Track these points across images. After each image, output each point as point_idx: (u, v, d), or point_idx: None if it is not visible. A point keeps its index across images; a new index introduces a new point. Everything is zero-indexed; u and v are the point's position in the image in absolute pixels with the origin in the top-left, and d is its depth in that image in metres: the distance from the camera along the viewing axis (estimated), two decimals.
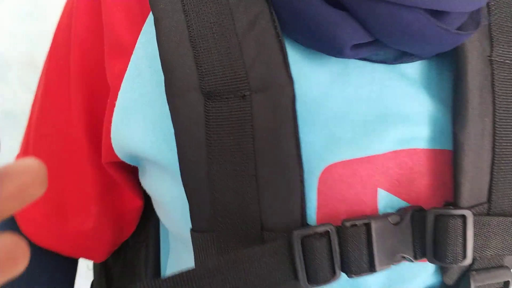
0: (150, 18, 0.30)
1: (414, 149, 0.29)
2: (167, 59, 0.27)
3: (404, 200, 0.29)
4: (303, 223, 0.27)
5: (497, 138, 0.29)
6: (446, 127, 0.29)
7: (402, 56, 0.29)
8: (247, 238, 0.27)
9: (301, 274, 0.26)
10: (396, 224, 0.28)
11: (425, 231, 0.28)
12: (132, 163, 0.33)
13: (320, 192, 0.28)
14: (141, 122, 0.29)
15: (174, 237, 0.37)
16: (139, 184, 0.36)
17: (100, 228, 0.37)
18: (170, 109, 0.27)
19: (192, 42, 0.27)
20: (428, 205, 0.29)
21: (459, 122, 0.28)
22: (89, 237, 0.37)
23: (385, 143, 0.28)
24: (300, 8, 0.26)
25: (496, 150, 0.29)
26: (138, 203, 0.38)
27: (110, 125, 0.31)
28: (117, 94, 0.30)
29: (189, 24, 0.27)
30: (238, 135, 0.27)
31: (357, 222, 0.27)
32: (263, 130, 0.27)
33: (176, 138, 0.27)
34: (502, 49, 0.30)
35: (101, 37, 0.32)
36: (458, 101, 0.29)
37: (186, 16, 0.27)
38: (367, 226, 0.27)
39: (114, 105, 0.30)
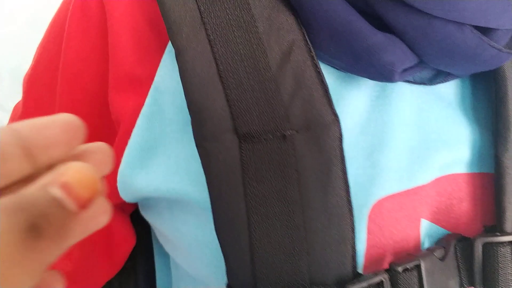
0: (170, 48, 0.27)
1: (453, 174, 0.28)
2: (194, 98, 0.24)
3: (442, 227, 0.28)
4: (354, 271, 0.25)
5: None
6: (485, 149, 0.29)
7: (438, 76, 0.28)
8: None
9: None
10: (442, 258, 0.27)
11: (471, 260, 0.27)
12: (136, 201, 0.30)
13: (370, 232, 0.26)
14: (162, 162, 0.26)
15: (183, 271, 0.33)
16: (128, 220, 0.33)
17: (82, 271, 0.33)
18: (200, 154, 0.24)
19: (222, 77, 0.24)
20: (468, 231, 0.28)
21: (501, 145, 0.27)
22: (71, 279, 0.33)
23: (429, 172, 0.27)
24: (345, 32, 0.24)
25: None
26: (131, 243, 0.34)
27: (117, 166, 0.27)
28: (130, 132, 0.27)
29: (216, 57, 0.24)
30: (281, 181, 0.24)
31: (408, 266, 0.25)
32: (309, 174, 0.24)
33: (208, 187, 0.24)
34: None
35: (100, 66, 0.28)
36: (500, 123, 0.27)
37: (212, 47, 0.24)
38: (418, 267, 0.25)
39: (124, 143, 0.27)
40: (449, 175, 0.28)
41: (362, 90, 0.27)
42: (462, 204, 0.28)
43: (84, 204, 0.13)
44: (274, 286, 0.24)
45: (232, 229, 0.24)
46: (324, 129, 0.24)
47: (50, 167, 0.14)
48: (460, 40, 0.24)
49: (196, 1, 0.24)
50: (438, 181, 0.28)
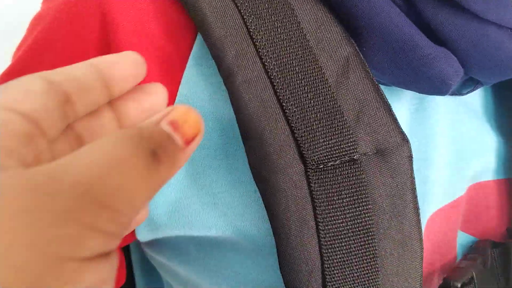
0: (193, 62, 0.24)
1: (480, 182, 0.28)
2: (253, 126, 0.21)
3: (471, 235, 0.29)
4: None
5: None
6: (510, 155, 0.29)
7: (466, 86, 0.27)
8: None
9: None
10: (484, 265, 0.27)
11: (507, 264, 0.27)
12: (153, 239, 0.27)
13: (425, 250, 0.25)
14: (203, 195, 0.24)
15: None
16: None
17: None
18: (261, 188, 0.22)
19: (281, 100, 0.22)
20: (495, 236, 0.29)
21: None
22: None
23: (465, 182, 0.27)
24: (402, 43, 0.22)
25: None
26: (122, 282, 0.32)
27: None
28: None
29: (271, 77, 0.22)
30: (354, 210, 0.22)
31: (465, 280, 0.25)
32: (382, 200, 0.22)
33: (275, 225, 0.22)
34: None
35: None
36: None
37: (265, 66, 0.22)
38: (472, 279, 0.25)
39: None
40: (476, 184, 0.28)
41: (402, 103, 0.26)
42: (490, 211, 0.29)
43: (189, 140, 0.15)
44: None
45: (303, 266, 0.22)
46: (394, 151, 0.23)
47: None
48: (509, 48, 0.23)
49: (241, 14, 0.22)
50: (468, 190, 0.28)
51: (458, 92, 0.27)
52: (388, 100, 0.25)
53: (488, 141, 0.28)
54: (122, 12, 0.23)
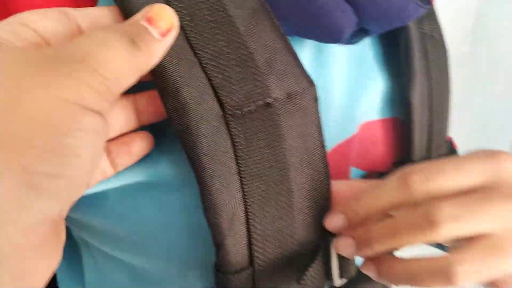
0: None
1: (368, 121, 0.32)
2: (169, 77, 0.22)
3: (361, 169, 0.32)
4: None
5: (433, 103, 0.33)
6: (394, 96, 0.33)
7: (356, 36, 0.30)
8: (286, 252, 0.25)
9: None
10: None
11: None
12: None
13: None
14: None
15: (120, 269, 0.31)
16: None
17: None
18: (183, 136, 0.22)
19: (196, 51, 0.22)
20: (382, 170, 0.32)
21: (410, 88, 0.31)
22: None
23: (355, 121, 0.30)
24: None
25: (433, 109, 0.33)
26: None
27: None
28: None
29: (184, 26, 0.22)
30: (271, 149, 0.23)
31: None
32: (294, 137, 0.24)
33: (196, 168, 0.22)
34: (428, 23, 0.34)
35: None
36: (407, 69, 0.31)
37: (178, 16, 0.22)
38: None
39: None
40: (365, 123, 0.31)
41: (303, 52, 0.28)
42: (377, 147, 0.32)
43: (163, 33, 0.19)
44: (267, 256, 0.24)
45: (226, 207, 0.23)
46: (303, 94, 0.24)
47: None
48: (399, 2, 0.26)
49: None
50: (360, 129, 0.31)
51: (349, 42, 0.29)
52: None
53: (374, 84, 0.32)
54: None
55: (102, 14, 0.20)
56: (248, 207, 0.23)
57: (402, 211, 0.23)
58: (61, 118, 0.15)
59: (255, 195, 0.23)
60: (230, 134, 0.22)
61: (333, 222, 0.25)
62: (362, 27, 0.27)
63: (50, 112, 0.15)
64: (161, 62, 0.21)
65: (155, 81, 0.22)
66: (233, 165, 0.23)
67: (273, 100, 0.23)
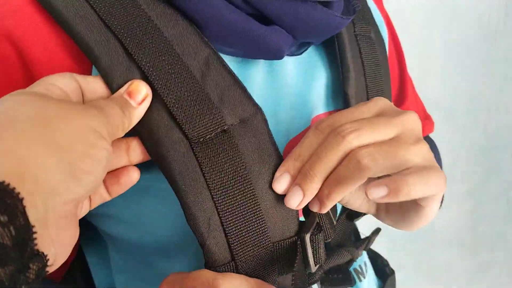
0: (95, 72, 0.29)
1: (318, 115, 0.38)
2: (143, 120, 0.28)
3: None
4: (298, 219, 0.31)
5: (369, 91, 0.39)
6: (335, 90, 0.39)
7: (301, 47, 0.37)
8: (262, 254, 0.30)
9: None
10: None
11: None
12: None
13: None
14: None
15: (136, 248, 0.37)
16: None
17: None
18: (160, 162, 0.28)
19: (161, 95, 0.28)
20: None
21: (346, 83, 0.37)
22: None
23: (307, 116, 0.36)
24: (236, 31, 0.30)
25: (369, 99, 0.39)
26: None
27: None
28: None
29: (151, 80, 0.28)
30: (231, 165, 0.29)
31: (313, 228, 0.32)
32: (250, 153, 0.29)
33: (172, 184, 0.28)
34: (360, 26, 0.40)
35: None
36: (343, 67, 0.37)
37: (145, 74, 0.28)
38: (318, 224, 0.33)
39: None
40: (315, 116, 0.37)
41: (257, 69, 0.34)
42: None
43: (139, 102, 0.27)
44: (246, 253, 0.29)
45: (202, 214, 0.28)
46: (252, 118, 0.30)
47: None
48: (317, 16, 0.32)
49: (122, 43, 0.28)
50: (312, 123, 0.37)
51: (297, 53, 0.36)
52: (246, 67, 0.34)
53: (317, 83, 0.38)
54: (33, 45, 0.29)
55: (94, 80, 0.28)
56: (220, 213, 0.28)
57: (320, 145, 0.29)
58: (91, 137, 0.23)
59: (224, 203, 0.28)
60: (196, 157, 0.28)
61: (282, 182, 0.29)
62: (303, 41, 0.34)
63: (85, 132, 0.23)
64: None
65: (136, 129, 0.28)
66: (202, 180, 0.28)
67: (228, 126, 0.29)
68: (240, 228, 0.29)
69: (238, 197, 0.29)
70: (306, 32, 0.32)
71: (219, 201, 0.29)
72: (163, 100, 0.28)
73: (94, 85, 0.27)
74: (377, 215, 0.34)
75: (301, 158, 0.29)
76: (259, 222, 0.29)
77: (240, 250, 0.29)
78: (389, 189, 0.26)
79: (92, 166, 0.23)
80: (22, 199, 0.19)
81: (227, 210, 0.29)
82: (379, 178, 0.28)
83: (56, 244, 0.21)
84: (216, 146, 0.29)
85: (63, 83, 0.25)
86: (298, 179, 0.29)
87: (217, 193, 0.29)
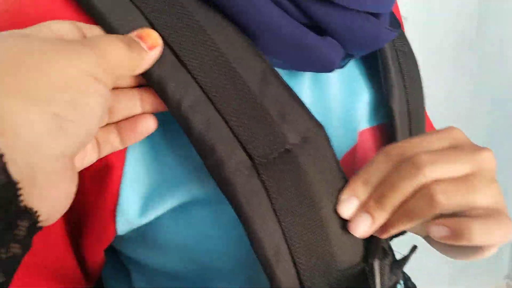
0: None
1: (362, 130, 0.36)
2: (204, 141, 0.26)
3: None
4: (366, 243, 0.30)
5: (409, 106, 0.38)
6: (379, 105, 0.38)
7: (344, 59, 0.35)
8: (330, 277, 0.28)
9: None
10: None
11: None
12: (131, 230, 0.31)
13: None
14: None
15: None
16: None
17: None
18: (222, 186, 0.26)
19: (221, 114, 0.26)
20: None
21: (390, 97, 0.36)
22: None
23: (354, 132, 0.35)
24: (296, 44, 0.28)
25: (411, 113, 0.38)
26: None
27: (114, 205, 0.28)
28: (121, 168, 0.28)
29: (209, 96, 0.26)
30: (296, 189, 0.27)
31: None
32: (315, 175, 0.27)
33: (238, 210, 0.26)
34: (399, 40, 0.39)
35: None
36: (387, 82, 0.37)
37: (203, 89, 0.26)
38: None
39: (117, 183, 0.28)
40: (360, 131, 0.36)
41: (303, 82, 0.33)
42: (373, 152, 0.36)
43: (150, 47, 0.24)
44: (315, 282, 0.27)
45: (270, 242, 0.26)
46: (314, 136, 0.28)
47: None
48: (370, 28, 0.31)
49: (175, 53, 0.26)
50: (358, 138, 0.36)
51: (339, 66, 0.34)
52: (293, 81, 0.32)
53: (361, 97, 0.37)
54: None
55: (100, 31, 0.26)
56: (289, 240, 0.26)
57: (392, 172, 0.27)
58: (81, 82, 0.20)
59: (292, 229, 0.26)
60: (261, 179, 0.26)
61: (349, 207, 0.28)
62: (347, 53, 0.32)
63: (73, 77, 0.20)
64: (197, 130, 0.26)
65: (194, 146, 0.26)
66: (268, 205, 0.26)
67: (291, 145, 0.27)
68: (309, 255, 0.27)
69: (306, 222, 0.27)
70: (357, 44, 0.31)
71: (287, 227, 0.26)
72: (224, 117, 0.26)
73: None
74: (428, 239, 0.32)
75: (370, 184, 0.28)
76: (328, 249, 0.28)
77: (309, 279, 0.27)
78: (451, 231, 0.26)
79: (83, 116, 0.21)
80: (2, 155, 0.18)
81: (296, 237, 0.27)
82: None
83: (48, 200, 0.20)
84: (280, 167, 0.27)
85: (59, 28, 0.23)
86: (369, 207, 0.27)
87: (285, 218, 0.26)
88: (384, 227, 0.28)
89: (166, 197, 0.29)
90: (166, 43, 0.26)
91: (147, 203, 0.29)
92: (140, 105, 0.27)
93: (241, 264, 0.31)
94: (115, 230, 0.29)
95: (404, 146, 0.28)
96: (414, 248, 0.40)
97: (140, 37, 0.24)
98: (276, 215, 0.26)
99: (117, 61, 0.22)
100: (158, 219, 0.30)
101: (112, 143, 0.26)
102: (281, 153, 0.27)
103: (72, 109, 0.20)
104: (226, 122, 0.26)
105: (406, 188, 0.26)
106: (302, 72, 0.33)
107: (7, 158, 0.18)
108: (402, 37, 0.41)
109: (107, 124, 0.26)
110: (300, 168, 0.27)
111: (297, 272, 0.27)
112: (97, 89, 0.21)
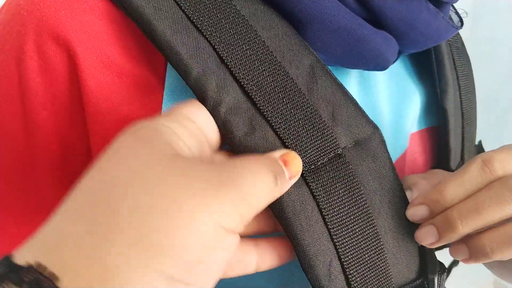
0: (170, 89, 0.25)
1: (412, 133, 0.34)
2: (247, 146, 0.23)
3: None
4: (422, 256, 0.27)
5: (463, 107, 0.35)
6: (429, 107, 0.35)
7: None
8: None
9: None
10: None
11: None
12: None
13: None
14: None
15: None
16: None
17: None
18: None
19: (266, 116, 0.23)
20: None
21: (444, 97, 0.33)
22: None
23: (406, 135, 0.32)
24: (352, 39, 0.25)
25: (464, 116, 0.35)
26: None
27: None
28: None
29: (252, 98, 0.23)
30: (349, 196, 0.24)
31: None
32: (369, 182, 0.25)
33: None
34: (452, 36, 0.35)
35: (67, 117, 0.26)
36: (442, 81, 0.33)
37: (244, 88, 0.23)
38: None
39: None
40: (410, 135, 0.33)
41: (350, 80, 0.30)
42: (421, 156, 0.34)
43: (292, 177, 0.22)
44: None
45: (321, 259, 0.23)
46: (369, 139, 0.25)
47: None
48: (434, 24, 0.27)
49: (213, 47, 0.23)
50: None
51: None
52: (339, 78, 0.29)
53: (412, 97, 0.33)
54: (81, 42, 0.24)
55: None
56: (342, 256, 0.24)
57: (482, 190, 0.24)
58: (211, 239, 0.17)
59: (345, 243, 0.24)
60: (309, 188, 0.23)
61: (417, 214, 0.25)
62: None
63: (205, 233, 0.17)
64: (237, 135, 0.23)
65: (235, 152, 0.23)
66: (318, 217, 0.23)
67: (342, 149, 0.24)
68: (363, 272, 0.24)
69: (359, 236, 0.24)
70: (415, 41, 0.28)
71: (340, 242, 0.23)
72: (268, 120, 0.23)
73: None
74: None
75: (454, 198, 0.24)
76: (383, 264, 0.24)
77: None
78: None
79: (201, 277, 0.17)
80: None
81: (349, 252, 0.24)
82: None
83: None
84: (330, 174, 0.24)
85: (203, 120, 0.21)
86: (440, 225, 0.24)
87: (337, 231, 0.23)
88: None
89: None
90: (201, 34, 0.23)
91: None
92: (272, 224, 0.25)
93: (274, 280, 0.28)
94: None
95: (501, 159, 0.24)
96: (454, 262, 0.38)
97: (285, 163, 0.21)
98: (327, 228, 0.23)
99: (259, 203, 0.19)
100: None
101: (246, 266, 0.23)
102: (331, 158, 0.24)
103: (191, 271, 0.16)
104: (270, 125, 0.23)
105: (493, 217, 0.23)
106: (347, 69, 0.29)
107: None
108: None
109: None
110: (352, 175, 0.24)
111: None
112: (227, 243, 0.18)
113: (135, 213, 0.16)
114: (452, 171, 0.33)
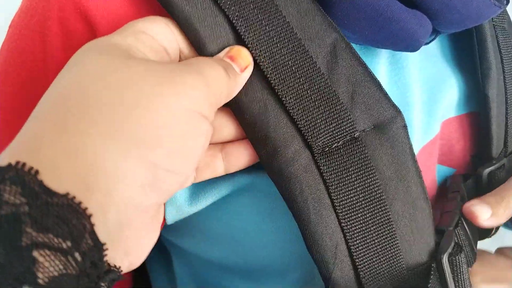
0: None
1: (449, 118, 0.32)
2: (257, 128, 0.23)
3: (447, 166, 0.33)
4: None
5: (508, 93, 0.33)
6: (469, 91, 0.32)
7: (431, 35, 0.29)
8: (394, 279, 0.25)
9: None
10: (463, 200, 0.30)
11: (478, 191, 0.31)
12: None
13: None
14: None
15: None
16: None
17: None
18: (276, 179, 0.23)
19: (279, 95, 0.23)
20: (462, 165, 0.33)
21: (487, 83, 0.31)
22: None
23: (437, 120, 0.31)
24: (383, 18, 0.24)
25: (508, 102, 0.33)
26: None
27: None
28: None
29: (267, 76, 0.23)
30: (362, 182, 0.24)
31: (455, 222, 0.28)
32: (386, 169, 0.24)
33: (292, 206, 0.23)
34: (498, 14, 0.33)
35: None
36: (484, 65, 0.31)
37: (261, 67, 0.23)
38: (460, 219, 0.29)
39: None
40: (445, 120, 0.32)
41: (379, 59, 0.28)
42: (457, 143, 0.33)
43: (242, 69, 0.22)
44: (377, 285, 0.24)
45: (327, 242, 0.23)
46: (390, 123, 0.24)
47: None
48: (474, 4, 0.25)
49: (230, 21, 0.22)
50: (441, 127, 0.31)
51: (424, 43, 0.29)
52: (368, 58, 0.27)
53: (449, 81, 0.32)
54: (103, 18, 0.23)
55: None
56: (349, 240, 0.23)
57: None
58: (187, 124, 0.17)
59: (353, 228, 0.23)
60: (320, 171, 0.23)
61: (483, 214, 0.28)
62: (434, 28, 0.27)
63: (179, 118, 0.17)
64: (250, 112, 0.23)
65: (246, 132, 0.23)
66: (327, 201, 0.23)
67: (359, 133, 0.23)
68: (372, 258, 0.24)
69: (369, 221, 0.24)
70: (451, 20, 0.26)
71: (348, 226, 0.23)
72: (282, 100, 0.22)
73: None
74: None
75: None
76: (393, 251, 0.24)
77: (370, 282, 0.24)
78: None
79: (182, 163, 0.18)
80: (90, 216, 0.15)
81: (357, 237, 0.23)
82: None
83: (132, 253, 0.18)
84: (344, 158, 0.23)
85: (159, 32, 0.20)
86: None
87: (345, 216, 0.23)
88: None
89: (216, 184, 0.26)
90: (219, 8, 0.22)
91: (197, 191, 0.26)
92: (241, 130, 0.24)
93: (294, 262, 0.28)
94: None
95: None
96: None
97: (232, 58, 0.22)
98: (335, 211, 0.23)
99: (220, 91, 0.20)
100: (207, 208, 0.27)
101: (214, 169, 0.24)
102: (346, 141, 0.23)
103: (172, 157, 0.17)
104: (283, 105, 0.23)
105: None
106: (377, 49, 0.28)
107: (95, 220, 0.15)
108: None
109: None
110: (367, 159, 0.23)
111: (357, 275, 0.24)
112: (202, 129, 0.18)
113: (107, 107, 0.16)
114: (493, 159, 0.32)
